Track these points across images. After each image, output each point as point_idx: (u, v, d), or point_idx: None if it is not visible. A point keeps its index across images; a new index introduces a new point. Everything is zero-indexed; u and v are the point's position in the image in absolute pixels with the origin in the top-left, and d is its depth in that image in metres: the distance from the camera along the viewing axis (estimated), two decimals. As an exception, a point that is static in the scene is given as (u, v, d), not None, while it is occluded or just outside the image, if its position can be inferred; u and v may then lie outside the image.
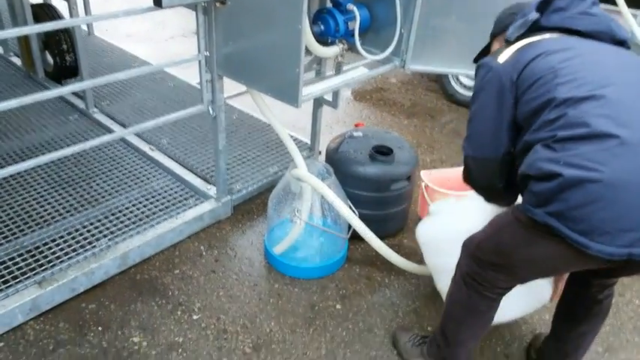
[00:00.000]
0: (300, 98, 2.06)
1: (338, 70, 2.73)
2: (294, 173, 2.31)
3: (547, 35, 1.53)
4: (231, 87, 2.56)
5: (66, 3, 3.17)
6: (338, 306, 2.31)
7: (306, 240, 2.48)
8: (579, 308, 1.83)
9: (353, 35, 2.35)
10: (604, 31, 1.53)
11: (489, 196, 1.74)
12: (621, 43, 1.54)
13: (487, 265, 1.63)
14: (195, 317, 2.21)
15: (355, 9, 2.34)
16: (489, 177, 1.62)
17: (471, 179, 1.69)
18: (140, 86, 3.93)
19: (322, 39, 2.33)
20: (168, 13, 5.86)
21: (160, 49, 5.14)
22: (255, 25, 2.08)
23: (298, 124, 3.57)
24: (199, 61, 2.29)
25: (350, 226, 2.37)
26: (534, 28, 1.57)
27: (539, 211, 1.36)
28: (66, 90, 2.13)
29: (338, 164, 2.53)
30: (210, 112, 2.44)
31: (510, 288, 1.68)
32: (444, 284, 1.98)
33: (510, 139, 1.53)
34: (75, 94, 3.67)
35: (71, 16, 3.12)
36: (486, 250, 1.63)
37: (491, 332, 2.18)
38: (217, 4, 2.16)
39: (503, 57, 1.53)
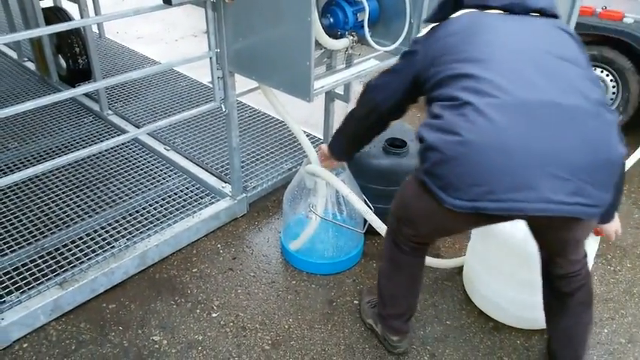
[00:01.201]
0: (312, 92, 2.05)
1: (348, 62, 2.71)
2: (308, 169, 2.30)
3: (462, 12, 1.63)
4: (242, 84, 2.55)
5: (76, 6, 3.20)
6: (355, 301, 2.30)
7: (322, 235, 2.47)
8: (554, 303, 1.82)
9: (362, 27, 2.33)
10: (516, 2, 1.57)
11: (350, 127, 2.02)
12: (538, 11, 1.59)
13: (399, 218, 1.80)
14: (214, 315, 2.21)
15: (364, 0, 2.32)
16: (365, 112, 1.90)
17: (358, 101, 1.93)
18: (153, 87, 3.95)
19: (332, 32, 2.31)
20: (179, 14, 5.90)
21: (171, 49, 5.16)
22: (264, 19, 2.07)
23: (310, 120, 3.56)
24: (210, 58, 2.29)
25: (365, 221, 2.35)
26: (457, 7, 1.66)
27: (419, 169, 1.52)
28: (79, 91, 2.14)
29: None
30: (223, 109, 2.44)
31: (423, 244, 1.83)
32: None
33: (398, 105, 1.81)
34: (89, 96, 3.70)
35: (82, 18, 3.14)
36: (397, 204, 1.79)
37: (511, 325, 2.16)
38: (226, 0, 2.16)
39: (424, 31, 1.70)
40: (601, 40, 3.34)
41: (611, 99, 3.47)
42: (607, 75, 3.43)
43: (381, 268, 1.98)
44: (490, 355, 2.07)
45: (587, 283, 1.76)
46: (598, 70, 3.47)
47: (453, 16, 1.64)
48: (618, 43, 3.29)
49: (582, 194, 1.33)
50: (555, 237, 1.62)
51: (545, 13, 1.59)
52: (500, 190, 1.34)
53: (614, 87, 3.44)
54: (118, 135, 3.26)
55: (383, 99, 1.82)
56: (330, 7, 2.33)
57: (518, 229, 1.84)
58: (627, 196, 3.05)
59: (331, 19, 2.32)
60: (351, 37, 2.32)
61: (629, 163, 2.54)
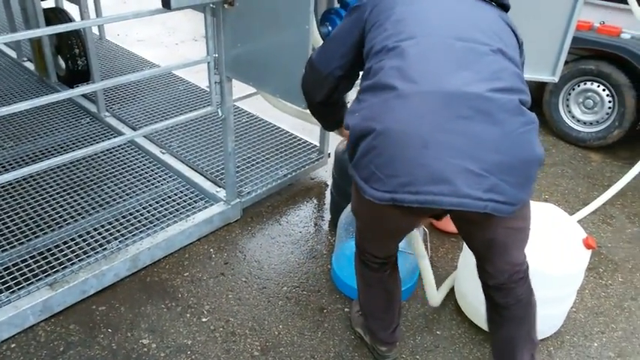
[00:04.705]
0: (308, 100, 2.05)
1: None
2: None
3: None
4: (239, 89, 2.56)
5: (77, 7, 3.21)
6: (346, 309, 2.29)
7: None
8: (491, 313, 1.78)
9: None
10: None
11: (309, 105, 1.86)
12: None
13: (358, 233, 1.79)
14: (204, 320, 2.21)
15: (362, 9, 2.33)
16: (313, 86, 1.75)
17: (303, 80, 1.79)
18: (151, 90, 3.96)
19: (330, 40, 2.32)
20: (180, 18, 5.93)
21: (171, 53, 5.17)
22: (262, 26, 2.08)
23: (307, 126, 3.55)
24: (208, 63, 2.30)
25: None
26: None
27: (350, 165, 1.47)
28: (77, 92, 2.14)
29: (345, 165, 2.51)
30: (219, 113, 2.44)
31: (385, 258, 1.80)
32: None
33: (343, 69, 1.64)
34: (87, 98, 3.71)
35: (82, 19, 3.15)
36: (355, 217, 1.74)
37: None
38: (226, 6, 2.17)
39: None
40: (598, 55, 3.37)
41: (607, 113, 3.49)
42: (603, 90, 3.45)
43: (357, 288, 1.96)
44: (479, 366, 2.07)
45: (526, 299, 1.70)
46: (595, 85, 3.49)
47: None
48: (615, 59, 3.31)
49: (497, 191, 1.30)
50: (478, 236, 1.59)
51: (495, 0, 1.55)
52: (418, 182, 1.31)
53: (610, 102, 3.46)
54: (114, 136, 3.29)
55: (326, 67, 1.66)
56: (328, 16, 2.34)
57: None
58: (621, 210, 3.06)
59: (329, 28, 2.33)
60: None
61: (626, 178, 2.53)
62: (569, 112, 3.67)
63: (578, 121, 3.65)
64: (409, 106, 1.32)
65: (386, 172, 1.33)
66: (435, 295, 2.26)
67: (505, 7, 1.58)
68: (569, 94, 3.64)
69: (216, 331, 2.16)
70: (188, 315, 2.23)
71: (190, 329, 2.16)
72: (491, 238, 1.55)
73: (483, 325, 2.19)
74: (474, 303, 2.21)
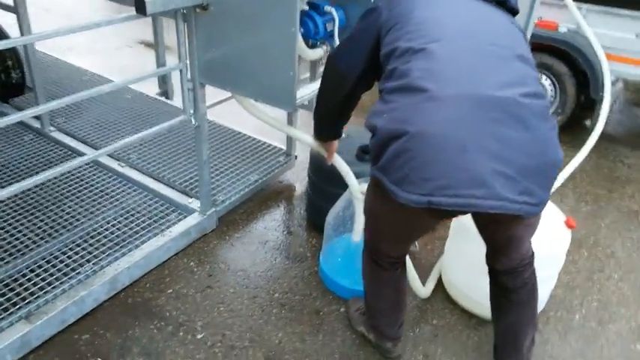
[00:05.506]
0: (295, 102, 2.02)
1: (313, 72, 2.72)
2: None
3: None
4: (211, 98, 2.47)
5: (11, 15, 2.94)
6: (342, 309, 2.28)
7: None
8: (498, 299, 1.85)
9: (331, 36, 2.34)
10: None
11: (324, 107, 1.87)
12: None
13: (372, 233, 1.77)
14: (199, 336, 2.11)
15: (333, 10, 2.33)
16: (335, 86, 1.75)
17: (323, 80, 1.81)
18: (96, 100, 3.71)
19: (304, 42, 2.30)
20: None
21: (107, 61, 4.89)
22: (242, 29, 2.02)
23: (270, 130, 3.49)
24: (180, 70, 2.20)
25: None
26: None
27: (373, 167, 1.46)
28: (29, 113, 1.95)
29: (325, 167, 2.49)
30: (193, 122, 2.35)
31: (399, 257, 1.80)
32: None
33: (362, 69, 1.66)
34: (22, 110, 3.41)
35: (22, 33, 2.89)
36: (367, 218, 1.76)
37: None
38: (198, 10, 2.09)
39: None
40: (539, 47, 3.59)
41: (550, 102, 3.74)
42: (546, 79, 3.69)
43: (365, 287, 1.95)
44: (479, 349, 2.14)
45: (532, 283, 1.79)
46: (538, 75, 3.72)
47: None
48: (555, 51, 3.55)
49: (529, 193, 1.35)
50: (500, 233, 1.65)
51: (506, 5, 1.59)
52: (456, 186, 1.31)
53: (552, 90, 3.70)
54: (66, 153, 3.07)
55: (347, 67, 1.69)
56: (300, 18, 2.31)
57: None
58: (573, 191, 3.28)
59: (302, 29, 2.31)
60: (325, 47, 2.32)
61: (575, 161, 2.68)
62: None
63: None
64: (444, 109, 1.33)
65: (421, 176, 1.33)
66: (423, 288, 2.31)
67: (514, 12, 1.63)
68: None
69: (215, 346, 2.07)
70: (181, 333, 2.12)
71: (187, 348, 2.06)
72: (512, 234, 1.62)
73: (475, 309, 2.28)
74: (464, 289, 2.28)
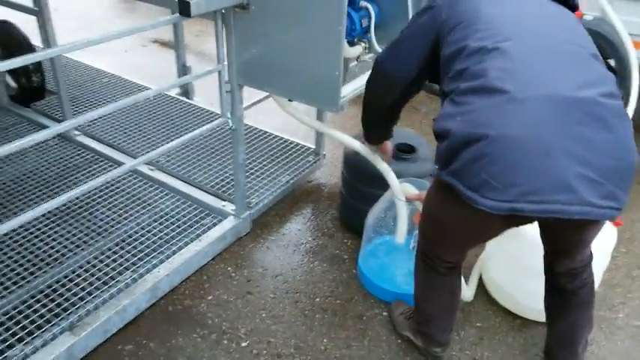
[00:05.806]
0: (339, 102, 1.98)
1: (345, 70, 2.66)
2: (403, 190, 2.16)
3: None
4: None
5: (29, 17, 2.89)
6: (384, 313, 2.25)
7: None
8: (556, 301, 1.82)
9: (367, 32, 2.29)
10: None
11: (372, 112, 1.85)
12: None
13: (430, 238, 1.73)
14: (243, 344, 2.08)
15: (369, 6, 2.28)
16: (384, 90, 1.72)
17: (369, 84, 1.78)
18: (114, 101, 3.65)
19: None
20: (121, 23, 5.57)
21: (122, 60, 4.83)
22: (284, 28, 1.98)
23: (299, 130, 3.46)
24: (219, 72, 2.15)
25: None
26: None
27: (443, 172, 1.40)
28: (69, 125, 1.88)
29: (360, 166, 2.45)
30: (230, 124, 2.30)
31: (457, 262, 1.76)
32: None
33: (416, 71, 1.62)
34: (47, 115, 3.39)
35: (46, 37, 2.84)
36: (424, 223, 1.72)
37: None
38: (237, 10, 2.04)
39: None
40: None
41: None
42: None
43: (417, 291, 1.90)
44: (526, 352, 2.10)
45: (590, 283, 1.76)
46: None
47: None
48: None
49: (612, 197, 1.31)
50: (570, 237, 1.61)
51: (567, 2, 1.55)
52: (541, 191, 1.27)
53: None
54: (94, 158, 3.03)
55: (400, 71, 1.65)
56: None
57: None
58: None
59: None
60: (363, 44, 2.27)
61: None
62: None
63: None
64: (525, 111, 1.28)
65: (503, 181, 1.27)
66: (467, 289, 2.28)
67: (574, 9, 1.58)
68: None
69: (260, 355, 2.04)
70: (225, 342, 2.09)
71: (232, 357, 2.03)
72: (583, 238, 1.58)
73: (518, 310, 2.24)
74: (508, 290, 2.25)
